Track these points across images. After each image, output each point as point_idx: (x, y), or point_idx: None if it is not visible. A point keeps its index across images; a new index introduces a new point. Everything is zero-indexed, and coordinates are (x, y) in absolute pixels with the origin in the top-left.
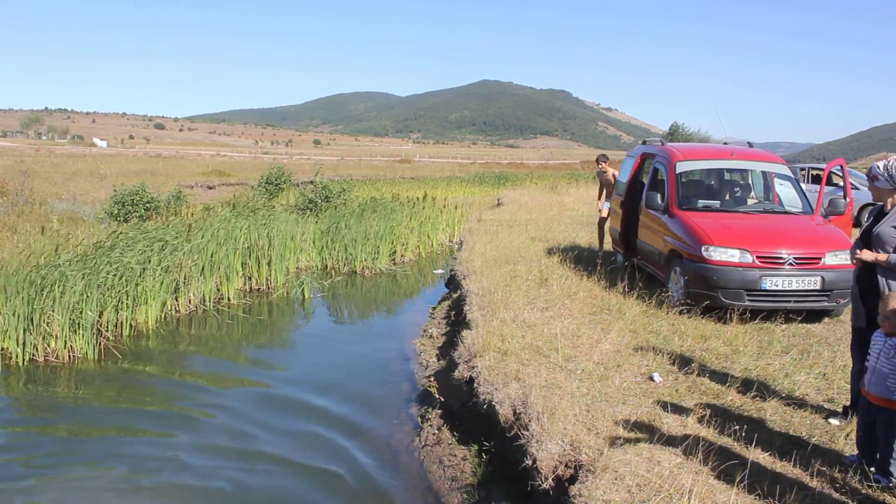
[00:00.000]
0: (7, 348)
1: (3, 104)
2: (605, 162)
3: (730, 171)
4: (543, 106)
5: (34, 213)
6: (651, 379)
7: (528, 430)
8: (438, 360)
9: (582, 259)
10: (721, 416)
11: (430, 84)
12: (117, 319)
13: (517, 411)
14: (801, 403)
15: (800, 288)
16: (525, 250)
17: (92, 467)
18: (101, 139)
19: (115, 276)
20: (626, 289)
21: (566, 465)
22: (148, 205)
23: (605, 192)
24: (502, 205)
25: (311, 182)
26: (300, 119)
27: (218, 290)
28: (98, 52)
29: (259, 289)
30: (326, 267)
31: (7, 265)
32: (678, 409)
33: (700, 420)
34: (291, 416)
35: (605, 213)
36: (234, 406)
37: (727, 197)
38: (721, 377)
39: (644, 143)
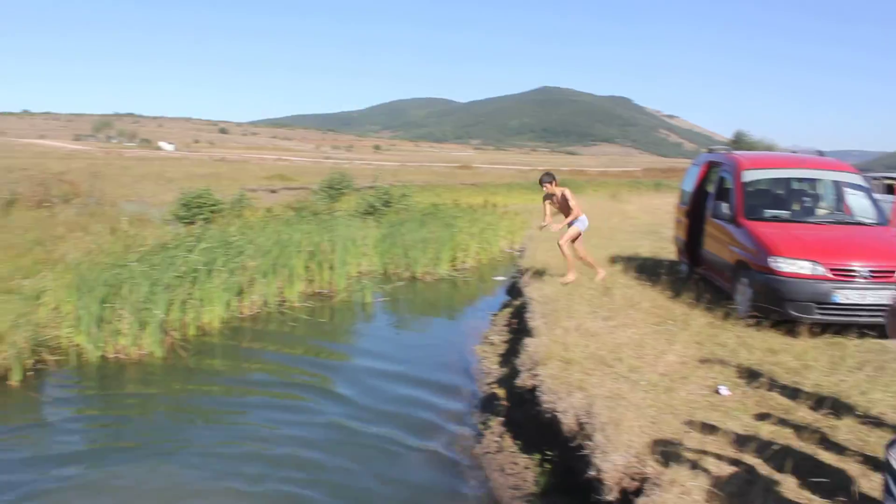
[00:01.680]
0: (80, 344)
1: (75, 108)
2: (549, 182)
3: (799, 180)
4: (604, 112)
5: (105, 214)
6: (717, 392)
7: (592, 440)
8: (500, 367)
9: (645, 268)
10: (792, 432)
11: (490, 90)
12: (183, 319)
13: (581, 421)
14: (877, 423)
15: (874, 302)
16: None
17: (165, 457)
18: (168, 143)
19: (181, 276)
20: (692, 299)
21: (631, 478)
22: (213, 207)
23: (549, 211)
24: None
25: (372, 187)
26: (361, 124)
27: (280, 292)
28: (164, 57)
29: (321, 292)
30: (387, 272)
31: (80, 264)
32: (747, 424)
33: (770, 435)
34: (350, 417)
35: (555, 229)
36: (298, 404)
37: (796, 207)
38: (791, 392)
39: (709, 150)
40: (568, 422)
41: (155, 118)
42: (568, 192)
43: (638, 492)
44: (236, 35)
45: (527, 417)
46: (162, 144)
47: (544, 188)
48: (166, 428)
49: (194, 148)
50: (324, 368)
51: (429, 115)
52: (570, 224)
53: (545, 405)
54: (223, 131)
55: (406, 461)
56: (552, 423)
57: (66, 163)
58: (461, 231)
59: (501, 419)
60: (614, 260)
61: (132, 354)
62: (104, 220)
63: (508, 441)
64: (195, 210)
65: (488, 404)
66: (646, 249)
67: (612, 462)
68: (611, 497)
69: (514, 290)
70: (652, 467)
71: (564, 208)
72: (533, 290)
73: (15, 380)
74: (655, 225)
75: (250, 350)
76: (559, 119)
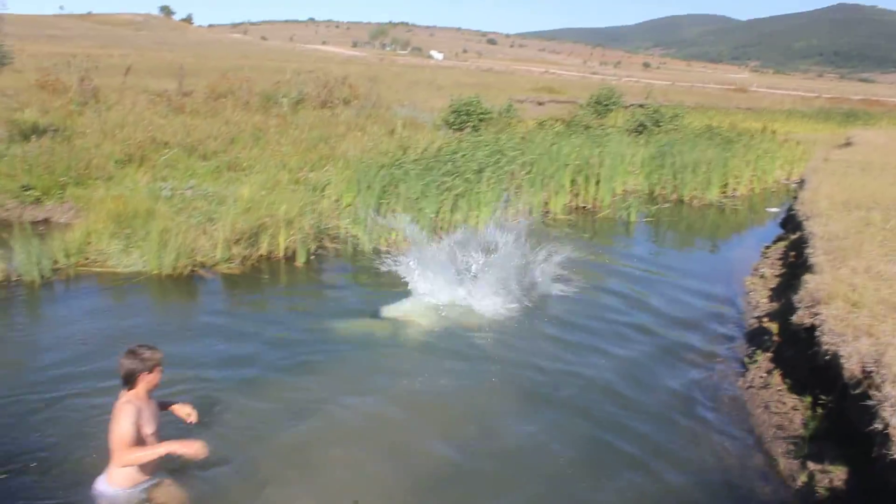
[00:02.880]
0: (357, 235)
1: (354, 17)
2: None
3: None
4: None
5: (380, 116)
6: None
7: (880, 391)
8: (770, 301)
9: None
10: None
11: (774, 7)
12: (451, 220)
13: (867, 369)
14: None
15: None
16: (881, 196)
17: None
18: (438, 52)
19: (452, 179)
20: None
21: None
22: (481, 115)
23: None
24: (852, 145)
25: (641, 105)
26: (631, 41)
27: (545, 203)
28: None
29: (585, 207)
30: (653, 192)
31: (359, 161)
32: None
33: None
34: (609, 335)
35: None
36: (556, 317)
37: None
38: None
39: None
40: (851, 367)
41: (427, 27)
42: None
43: None
44: None
45: (800, 357)
46: (432, 53)
47: None
48: None
49: (463, 58)
50: (583, 281)
51: (704, 32)
52: None
53: (825, 346)
54: (491, 42)
55: (660, 382)
56: (830, 367)
57: (345, 67)
58: (735, 157)
59: (769, 355)
60: None
61: (402, 249)
62: (380, 122)
63: (776, 378)
64: (464, 117)
65: (755, 338)
66: None
67: None
68: None
69: (790, 224)
70: None
71: None
72: (815, 225)
73: (300, 261)
74: None
75: None
76: (854, 41)
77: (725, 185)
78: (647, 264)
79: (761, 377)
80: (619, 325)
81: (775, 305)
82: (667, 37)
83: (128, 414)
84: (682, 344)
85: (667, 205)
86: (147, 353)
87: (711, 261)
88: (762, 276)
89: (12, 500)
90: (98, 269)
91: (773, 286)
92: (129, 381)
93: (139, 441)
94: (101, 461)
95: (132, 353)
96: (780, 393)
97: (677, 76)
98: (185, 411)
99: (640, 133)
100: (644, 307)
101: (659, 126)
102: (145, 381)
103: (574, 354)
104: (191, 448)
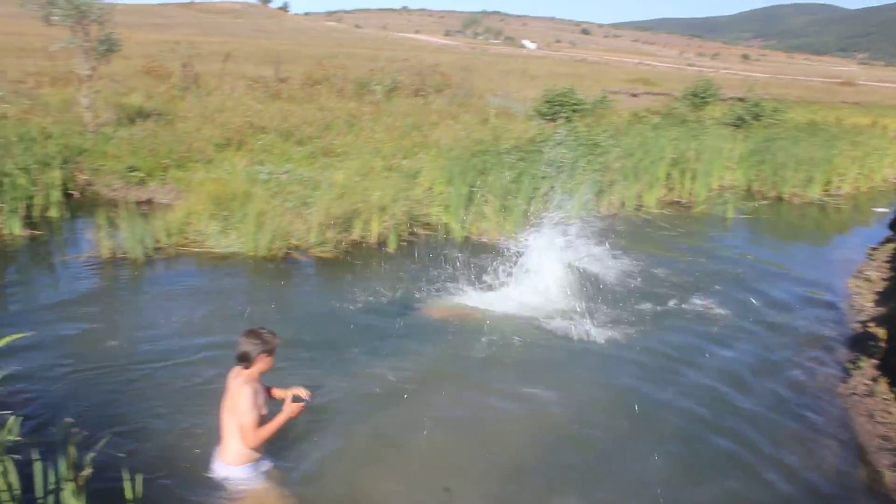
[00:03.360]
0: (448, 223)
1: (447, 6)
2: None
3: None
4: None
5: (473, 105)
6: None
7: None
8: (876, 305)
9: None
10: None
11: None
12: (543, 210)
13: None
14: None
15: None
16: None
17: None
18: (531, 41)
19: (545, 169)
20: None
21: None
22: (574, 106)
23: None
24: None
25: (741, 99)
26: (729, 31)
27: (639, 197)
28: None
29: (679, 201)
30: (750, 189)
31: (451, 150)
32: None
33: None
34: (708, 336)
35: None
36: (654, 316)
37: None
38: None
39: None
40: None
41: (519, 17)
42: None
43: None
44: None
45: None
46: (525, 43)
47: None
48: None
49: (556, 48)
50: (675, 275)
51: (808, 22)
52: None
53: None
54: (585, 32)
55: (756, 384)
56: None
57: (438, 56)
58: (840, 153)
59: (875, 362)
60: None
61: (493, 237)
62: (472, 111)
63: (882, 387)
64: (557, 108)
65: (859, 343)
66: None
67: None
68: None
69: None
70: None
71: None
72: None
73: (391, 247)
74: None
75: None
76: None
77: (829, 183)
78: (745, 265)
79: (865, 384)
80: (718, 326)
81: (882, 310)
82: (768, 27)
83: (249, 395)
84: (780, 345)
85: (765, 202)
86: (268, 336)
87: (812, 261)
88: (867, 279)
89: (116, 464)
90: (197, 249)
91: (879, 290)
92: (247, 360)
93: (260, 421)
94: (199, 428)
95: (253, 334)
96: (887, 402)
97: (778, 69)
98: (293, 393)
99: (739, 127)
100: (742, 308)
101: (759, 120)
102: (261, 363)
103: (675, 354)
104: (294, 411)
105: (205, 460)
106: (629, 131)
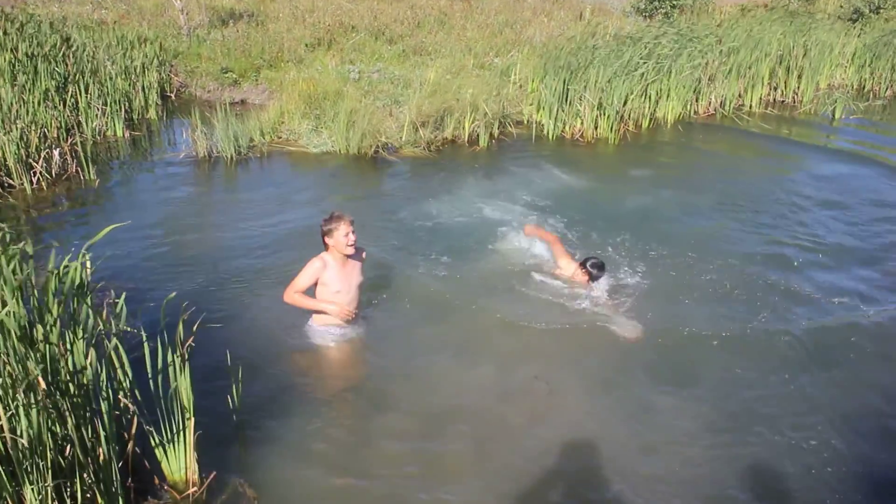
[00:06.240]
0: (540, 121)
1: None
2: None
3: None
4: None
5: (567, 2)
6: None
7: None
8: None
9: None
10: None
11: None
12: (640, 110)
13: None
14: None
15: None
16: None
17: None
18: None
19: (643, 64)
20: None
21: None
22: (674, 2)
23: None
24: None
25: None
26: None
27: (740, 96)
28: None
29: (783, 101)
30: (864, 87)
31: (545, 47)
32: None
33: None
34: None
35: None
36: (741, 218)
37: None
38: None
39: None
40: None
41: None
42: None
43: None
44: None
45: None
46: None
47: None
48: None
49: None
50: (778, 188)
51: None
52: None
53: None
54: None
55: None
56: None
57: None
58: None
59: None
60: None
61: (587, 136)
62: (567, 8)
63: None
64: (656, 3)
65: None
66: None
67: None
68: None
69: None
70: None
71: None
72: None
73: (482, 145)
74: None
75: (698, 152)
76: None
77: None
78: (852, 169)
79: None
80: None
81: None
82: None
83: (309, 266)
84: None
85: (879, 101)
86: (330, 221)
87: None
88: None
89: (211, 346)
90: (290, 148)
91: None
92: (322, 240)
93: (311, 292)
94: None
95: (324, 219)
96: None
97: None
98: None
99: (855, 21)
100: (834, 217)
101: (878, 13)
102: (332, 242)
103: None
104: (341, 313)
105: (296, 334)
106: (733, 27)
